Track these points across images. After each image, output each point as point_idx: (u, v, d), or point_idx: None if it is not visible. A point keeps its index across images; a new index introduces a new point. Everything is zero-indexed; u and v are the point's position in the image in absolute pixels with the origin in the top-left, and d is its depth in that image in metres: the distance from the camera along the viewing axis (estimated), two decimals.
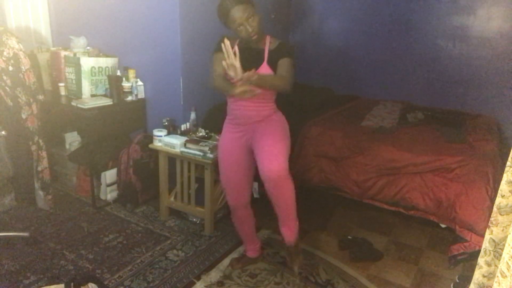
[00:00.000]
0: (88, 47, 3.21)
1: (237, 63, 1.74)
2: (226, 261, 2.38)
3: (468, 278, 1.88)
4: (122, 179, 2.93)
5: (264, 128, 1.98)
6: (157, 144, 2.71)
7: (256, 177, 2.08)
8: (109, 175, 3.00)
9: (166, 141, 2.67)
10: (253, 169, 2.10)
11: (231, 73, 1.75)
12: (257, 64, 1.91)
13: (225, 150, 2.09)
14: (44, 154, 2.74)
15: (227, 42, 1.75)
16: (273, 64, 1.93)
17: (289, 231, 2.03)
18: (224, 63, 1.76)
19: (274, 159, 1.89)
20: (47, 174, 2.80)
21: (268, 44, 1.97)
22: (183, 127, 2.85)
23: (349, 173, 2.78)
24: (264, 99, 1.97)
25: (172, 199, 2.84)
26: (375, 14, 3.97)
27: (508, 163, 1.20)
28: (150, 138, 2.80)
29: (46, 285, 2.07)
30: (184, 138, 2.65)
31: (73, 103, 2.83)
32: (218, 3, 1.90)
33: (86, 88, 2.94)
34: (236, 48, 1.88)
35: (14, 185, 2.87)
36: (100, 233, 2.64)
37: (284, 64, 1.91)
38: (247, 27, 1.86)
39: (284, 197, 1.94)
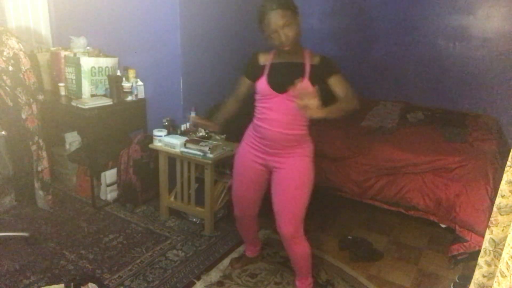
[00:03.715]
0: (88, 47, 3.21)
1: (316, 103, 1.54)
2: (226, 261, 2.38)
3: (468, 278, 1.88)
4: (122, 179, 2.93)
5: (288, 170, 1.84)
6: (157, 144, 2.71)
7: None
8: (109, 175, 2.99)
9: (166, 141, 2.66)
10: (265, 187, 2.00)
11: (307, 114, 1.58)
12: (293, 79, 1.70)
13: (241, 163, 1.99)
14: (44, 154, 2.74)
15: (298, 83, 1.62)
16: (315, 81, 1.75)
17: (302, 285, 2.07)
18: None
19: (290, 221, 1.86)
20: (47, 174, 2.80)
21: (309, 59, 1.79)
22: (183, 127, 2.85)
23: (349, 173, 2.78)
24: (294, 121, 1.80)
25: (172, 199, 2.84)
26: (375, 14, 3.97)
27: (508, 163, 1.20)
28: (150, 138, 2.80)
29: (46, 285, 2.07)
30: (184, 138, 2.65)
31: (73, 103, 2.83)
32: (259, 4, 1.73)
33: (86, 88, 2.94)
34: (313, 89, 1.71)
35: (14, 185, 2.87)
36: (100, 233, 2.63)
37: (339, 82, 1.76)
38: (281, 35, 1.67)
39: (297, 256, 1.98)
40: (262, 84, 1.81)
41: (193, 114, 2.93)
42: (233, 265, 2.33)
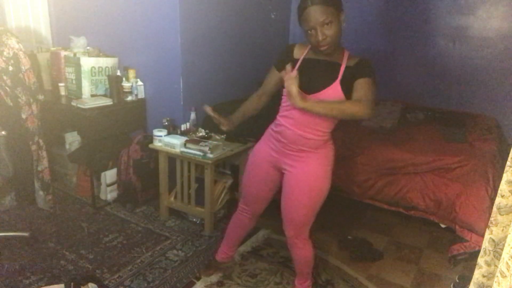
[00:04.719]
0: (88, 47, 3.21)
1: (294, 89, 1.48)
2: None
3: (468, 278, 1.88)
4: (122, 179, 2.93)
5: (299, 175, 1.74)
6: (157, 144, 2.71)
7: None
8: (109, 175, 3.00)
9: (166, 141, 2.66)
10: (275, 188, 1.92)
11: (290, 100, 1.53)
12: (327, 82, 1.61)
13: (256, 162, 1.90)
14: (44, 154, 2.74)
15: (288, 68, 1.53)
16: (346, 84, 1.60)
17: (300, 286, 2.06)
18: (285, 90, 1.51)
19: (293, 224, 1.83)
20: (47, 174, 2.80)
21: (346, 60, 1.64)
22: (183, 127, 2.85)
23: (349, 173, 2.78)
24: (317, 125, 1.67)
25: (172, 199, 2.84)
26: (375, 14, 3.97)
27: (508, 163, 1.20)
28: (150, 138, 2.80)
29: (46, 285, 2.07)
30: (184, 138, 2.65)
31: (73, 103, 2.83)
32: None
33: (86, 88, 2.94)
34: (295, 71, 1.56)
35: (14, 185, 2.87)
36: (100, 233, 2.63)
37: (362, 86, 1.56)
38: (318, 34, 1.53)
39: (298, 258, 1.96)
40: None
41: (193, 114, 2.94)
42: (202, 272, 2.24)
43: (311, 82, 1.62)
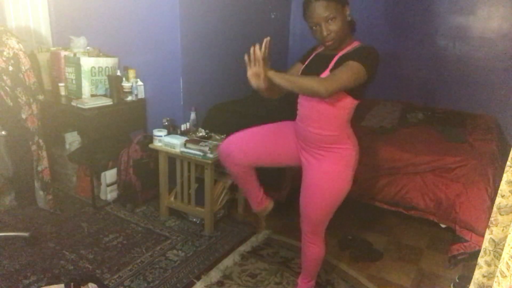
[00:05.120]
0: (88, 47, 3.21)
1: (258, 69, 1.49)
2: (226, 261, 2.38)
3: (468, 278, 1.88)
4: (122, 179, 2.93)
5: (316, 174, 1.71)
6: (157, 144, 2.71)
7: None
8: (109, 175, 3.00)
9: (166, 141, 2.67)
10: (278, 160, 1.86)
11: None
12: (321, 71, 1.61)
13: (283, 128, 1.83)
14: (44, 154, 2.74)
15: (256, 48, 1.49)
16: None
17: (304, 285, 2.04)
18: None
19: (309, 221, 1.82)
20: (47, 174, 2.80)
21: (346, 50, 1.61)
22: (183, 127, 2.85)
23: None
24: (320, 121, 1.66)
25: (172, 199, 2.84)
26: (375, 14, 3.97)
27: (508, 163, 1.20)
28: (150, 138, 2.80)
29: (46, 285, 2.07)
30: (184, 138, 2.65)
31: (73, 103, 2.82)
32: None
33: (86, 88, 2.94)
34: (262, 49, 1.50)
35: (14, 185, 2.87)
36: (100, 233, 2.63)
37: (343, 66, 1.51)
38: (322, 29, 1.54)
39: (308, 255, 1.94)
40: (299, 73, 1.72)
41: (193, 114, 2.93)
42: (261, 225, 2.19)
43: (310, 75, 1.63)
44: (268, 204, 2.09)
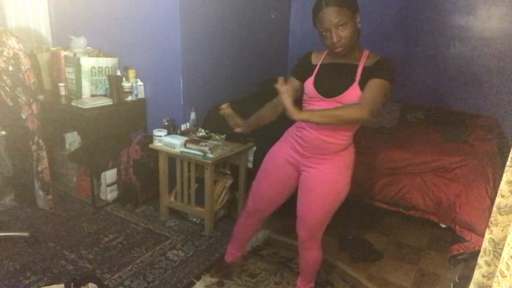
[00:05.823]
0: (88, 47, 3.21)
1: (287, 102, 1.44)
2: None
3: (468, 278, 1.88)
4: (122, 179, 2.93)
5: (317, 176, 1.73)
6: (157, 144, 2.71)
7: None
8: (109, 175, 3.00)
9: (166, 141, 2.66)
10: (288, 192, 1.90)
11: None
12: (345, 85, 1.58)
13: (272, 159, 1.87)
14: (44, 154, 2.74)
15: (281, 80, 1.46)
16: (364, 85, 1.56)
17: (304, 287, 2.04)
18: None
19: (306, 226, 1.81)
20: (47, 174, 2.80)
21: (364, 60, 1.60)
22: (183, 127, 2.85)
23: None
24: (337, 129, 1.65)
25: (172, 199, 2.84)
26: (375, 14, 3.96)
27: (508, 163, 1.20)
28: (150, 138, 2.80)
29: (46, 285, 2.07)
30: (184, 138, 2.65)
31: (73, 103, 2.83)
32: None
33: (86, 88, 2.94)
34: (284, 87, 1.46)
35: (14, 185, 2.87)
36: (100, 233, 2.63)
37: (372, 86, 1.52)
38: (333, 35, 1.52)
39: (306, 259, 1.94)
40: (309, 85, 1.67)
41: (193, 114, 2.93)
42: (213, 274, 2.24)
43: (331, 86, 1.61)
44: (238, 260, 2.26)
